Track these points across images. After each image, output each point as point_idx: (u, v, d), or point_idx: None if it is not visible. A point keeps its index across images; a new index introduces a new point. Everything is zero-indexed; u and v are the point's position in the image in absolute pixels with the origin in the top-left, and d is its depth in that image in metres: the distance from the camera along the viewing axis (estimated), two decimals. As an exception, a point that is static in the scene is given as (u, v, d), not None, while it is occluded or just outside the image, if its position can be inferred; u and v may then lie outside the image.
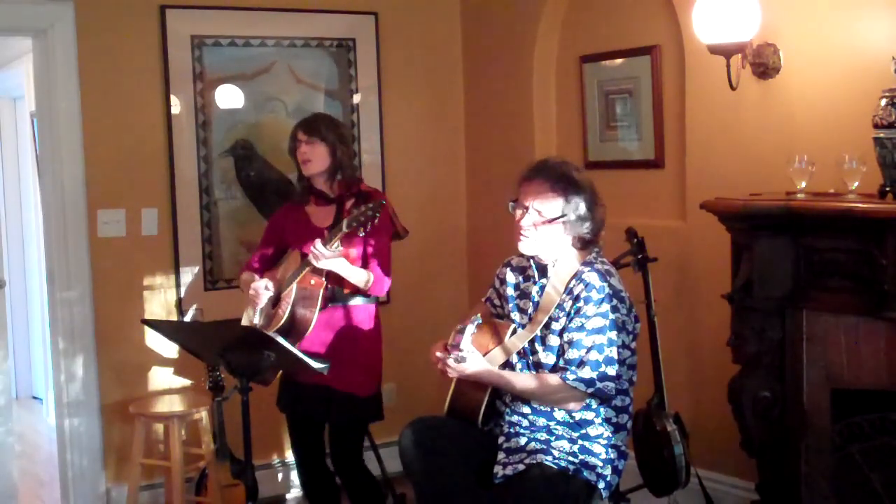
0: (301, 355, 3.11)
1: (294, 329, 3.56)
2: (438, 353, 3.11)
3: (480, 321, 3.09)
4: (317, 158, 3.68)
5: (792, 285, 3.34)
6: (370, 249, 3.65)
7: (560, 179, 3.08)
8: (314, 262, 3.49)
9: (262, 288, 3.65)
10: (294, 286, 3.58)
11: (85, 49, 4.29)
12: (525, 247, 3.13)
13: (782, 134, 3.67)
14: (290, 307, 3.56)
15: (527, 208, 3.09)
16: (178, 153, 4.49)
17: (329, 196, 3.73)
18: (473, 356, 3.05)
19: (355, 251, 3.63)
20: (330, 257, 3.48)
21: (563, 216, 3.07)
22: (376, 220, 3.42)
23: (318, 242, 3.47)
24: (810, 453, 3.36)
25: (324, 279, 3.56)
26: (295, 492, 4.77)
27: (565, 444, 3.04)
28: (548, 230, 3.08)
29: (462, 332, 3.01)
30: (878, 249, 3.04)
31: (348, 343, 3.66)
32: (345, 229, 3.42)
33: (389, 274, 3.70)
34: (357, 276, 3.59)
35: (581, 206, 3.08)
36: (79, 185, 4.32)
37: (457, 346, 3.00)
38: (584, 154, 4.60)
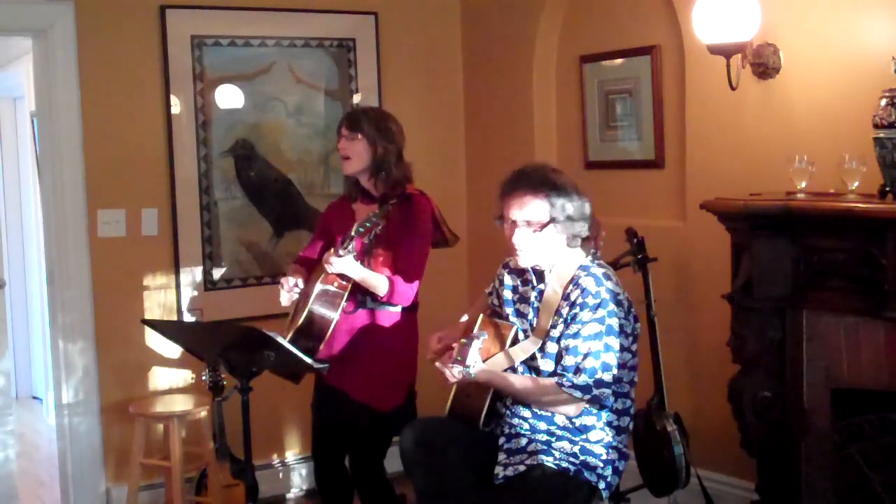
0: (301, 355, 3.10)
1: (313, 329, 3.42)
2: (446, 370, 2.98)
3: (486, 336, 3.05)
4: (356, 156, 3.51)
5: (792, 285, 3.34)
6: (401, 257, 3.48)
7: (540, 185, 3.03)
8: (327, 269, 3.37)
9: (292, 283, 3.53)
10: (317, 285, 3.43)
11: (85, 49, 4.29)
12: (524, 261, 3.10)
13: (782, 134, 3.67)
14: (309, 306, 3.42)
15: (514, 222, 3.05)
16: (178, 153, 4.48)
17: (373, 195, 3.57)
18: (478, 368, 2.98)
19: (388, 256, 3.49)
20: (341, 264, 3.34)
21: (551, 220, 3.02)
22: (379, 228, 3.30)
23: (332, 250, 3.36)
24: (810, 453, 3.36)
25: (347, 282, 3.42)
26: (295, 492, 4.78)
27: (566, 445, 3.04)
28: (541, 238, 3.04)
29: (468, 345, 2.93)
30: (878, 249, 3.04)
31: (370, 352, 3.52)
32: (352, 234, 3.30)
33: (415, 281, 3.49)
34: (372, 281, 3.43)
35: (567, 207, 3.03)
36: (79, 185, 4.32)
37: (463, 361, 2.92)
38: (584, 154, 4.60)
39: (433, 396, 3.40)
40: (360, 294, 3.49)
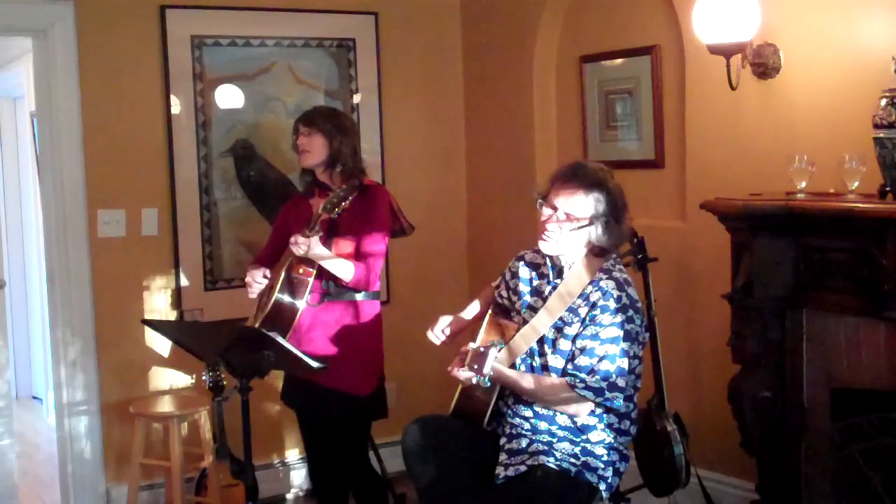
0: (301, 355, 3.10)
1: (281, 318, 3.52)
2: (459, 373, 2.98)
3: (504, 346, 3.06)
4: (314, 149, 3.69)
5: (792, 285, 3.34)
6: (363, 243, 3.63)
7: (594, 186, 3.02)
8: (294, 251, 3.48)
9: (260, 276, 3.64)
10: (282, 273, 3.56)
11: (85, 49, 4.29)
12: (547, 247, 3.08)
13: (782, 134, 3.67)
14: (275, 294, 3.53)
15: (555, 209, 3.05)
16: (178, 153, 4.49)
17: (331, 188, 3.71)
18: (494, 374, 2.96)
19: (349, 245, 3.61)
20: (308, 244, 3.45)
21: (590, 222, 3.01)
22: (346, 203, 3.41)
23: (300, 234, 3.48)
24: (810, 453, 3.36)
25: (312, 269, 3.54)
26: (295, 492, 4.78)
27: (567, 446, 3.04)
28: (573, 234, 3.03)
29: (485, 355, 2.89)
30: (879, 249, 3.04)
31: (345, 341, 3.65)
32: (320, 212, 3.43)
33: (378, 266, 3.66)
34: (338, 266, 3.55)
35: (609, 216, 3.02)
36: (79, 185, 4.32)
37: (480, 370, 2.88)
38: (584, 154, 4.60)
39: (431, 395, 3.40)
40: (323, 282, 3.60)
